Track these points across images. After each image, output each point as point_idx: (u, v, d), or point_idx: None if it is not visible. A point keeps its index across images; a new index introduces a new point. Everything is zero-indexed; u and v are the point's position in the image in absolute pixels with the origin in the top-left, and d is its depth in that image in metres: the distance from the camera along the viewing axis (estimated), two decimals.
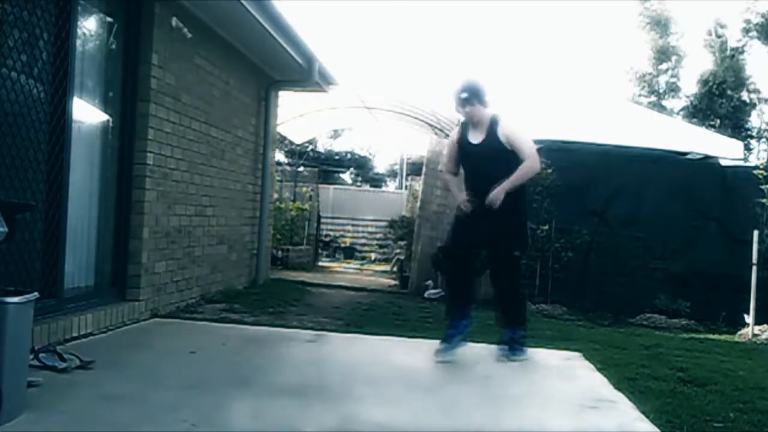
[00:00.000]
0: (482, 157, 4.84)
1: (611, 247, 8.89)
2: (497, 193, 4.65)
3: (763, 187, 8.02)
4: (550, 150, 9.03)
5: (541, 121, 9.65)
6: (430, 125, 12.61)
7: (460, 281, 5.10)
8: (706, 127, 20.07)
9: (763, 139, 25.39)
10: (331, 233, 18.25)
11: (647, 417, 3.57)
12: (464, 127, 4.98)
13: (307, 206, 14.97)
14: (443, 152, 9.70)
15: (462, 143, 4.94)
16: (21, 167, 4.08)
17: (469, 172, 4.97)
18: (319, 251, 16.10)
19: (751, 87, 24.92)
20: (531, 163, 4.78)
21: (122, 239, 5.27)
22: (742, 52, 25.57)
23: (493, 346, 5.39)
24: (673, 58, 26.26)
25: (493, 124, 4.83)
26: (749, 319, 7.63)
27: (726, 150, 9.94)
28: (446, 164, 5.21)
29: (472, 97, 4.84)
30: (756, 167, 8.52)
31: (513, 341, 4.90)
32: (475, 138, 4.88)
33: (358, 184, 33.35)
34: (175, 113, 5.77)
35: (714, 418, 3.71)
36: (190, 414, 3.12)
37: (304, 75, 8.06)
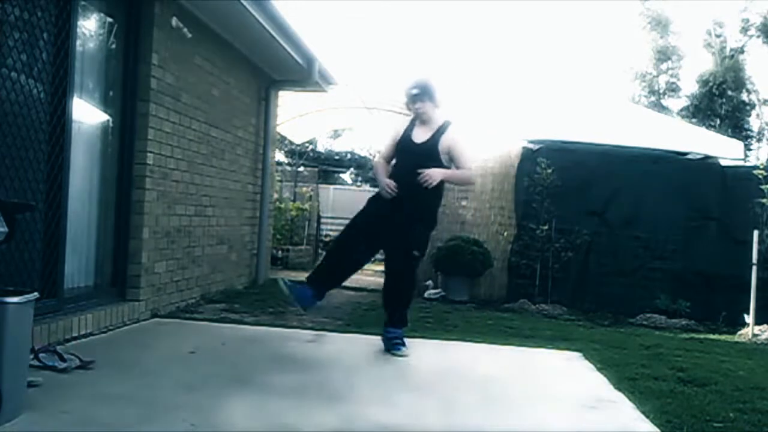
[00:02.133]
0: (417, 157, 4.83)
1: (611, 247, 8.89)
2: (435, 174, 4.67)
3: (763, 187, 8.02)
4: (550, 150, 9.06)
5: (541, 121, 9.66)
6: None
7: (338, 259, 5.02)
8: (706, 127, 20.08)
9: (764, 139, 25.38)
10: (331, 233, 18.23)
11: (647, 417, 3.57)
12: (412, 123, 4.98)
13: (307, 206, 14.97)
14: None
15: (404, 136, 4.94)
16: (21, 167, 4.08)
17: (399, 166, 4.95)
18: (319, 251, 16.08)
19: (751, 87, 24.93)
20: (469, 174, 4.90)
21: (122, 239, 5.27)
22: (741, 52, 25.57)
23: (494, 346, 5.40)
24: (673, 57, 26.27)
25: (441, 128, 4.86)
26: (749, 319, 7.63)
27: (726, 150, 9.94)
28: (384, 151, 5.20)
29: (422, 94, 4.87)
30: (756, 167, 8.52)
31: (399, 339, 4.87)
32: (419, 136, 4.89)
33: (358, 184, 33.35)
34: (175, 113, 5.77)
35: (714, 418, 3.71)
36: (190, 414, 3.12)
37: (304, 75, 8.06)
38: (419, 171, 4.68)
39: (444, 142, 4.80)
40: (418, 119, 4.93)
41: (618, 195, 9.01)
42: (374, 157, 6.99)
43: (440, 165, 4.78)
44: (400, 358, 4.73)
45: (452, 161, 4.84)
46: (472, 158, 4.89)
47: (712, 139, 10.82)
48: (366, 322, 6.29)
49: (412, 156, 4.85)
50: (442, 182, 4.80)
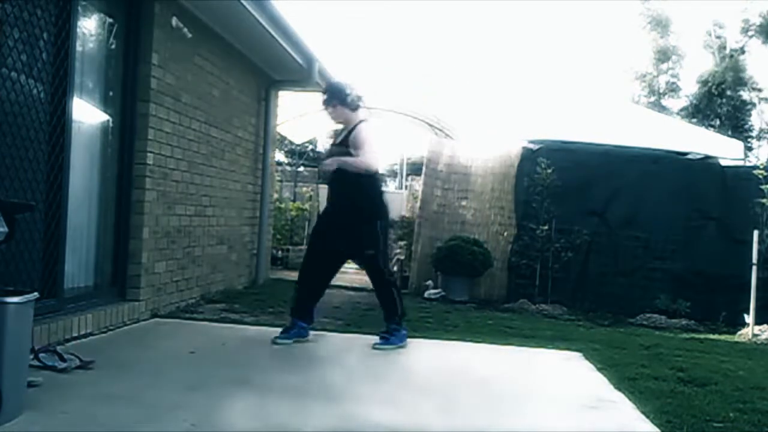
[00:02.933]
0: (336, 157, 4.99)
1: (611, 247, 8.89)
2: (329, 162, 4.88)
3: (763, 187, 8.02)
4: (550, 150, 9.06)
5: (541, 121, 9.66)
6: (430, 125, 12.61)
7: (309, 281, 5.16)
8: (706, 127, 20.09)
9: (764, 139, 25.38)
10: None
11: (647, 417, 3.57)
12: (335, 129, 5.20)
13: (307, 206, 14.96)
14: (443, 151, 9.72)
15: (332, 141, 5.20)
16: (21, 167, 4.08)
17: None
18: None
19: (752, 86, 24.93)
20: (364, 159, 4.90)
21: (122, 239, 5.27)
22: (742, 52, 25.58)
23: (494, 346, 5.40)
24: (673, 58, 26.27)
25: (350, 130, 4.98)
26: (749, 319, 7.63)
27: (726, 150, 9.95)
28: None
29: (331, 98, 5.01)
30: (756, 167, 8.52)
31: (385, 333, 5.02)
32: (336, 139, 5.10)
33: None
34: (175, 113, 5.77)
35: (714, 418, 3.71)
36: (190, 414, 3.12)
37: (304, 75, 8.05)
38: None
39: (352, 140, 4.92)
40: (337, 122, 5.11)
41: (618, 195, 9.01)
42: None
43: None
44: (399, 358, 4.73)
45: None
46: (372, 149, 4.93)
47: (712, 139, 10.84)
48: (366, 322, 6.29)
49: (332, 157, 5.02)
50: (358, 174, 4.87)
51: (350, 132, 4.97)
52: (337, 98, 5.00)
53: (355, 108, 5.02)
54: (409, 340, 5.42)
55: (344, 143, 4.97)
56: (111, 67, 5.20)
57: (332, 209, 5.08)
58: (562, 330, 6.81)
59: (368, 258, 5.04)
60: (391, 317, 5.07)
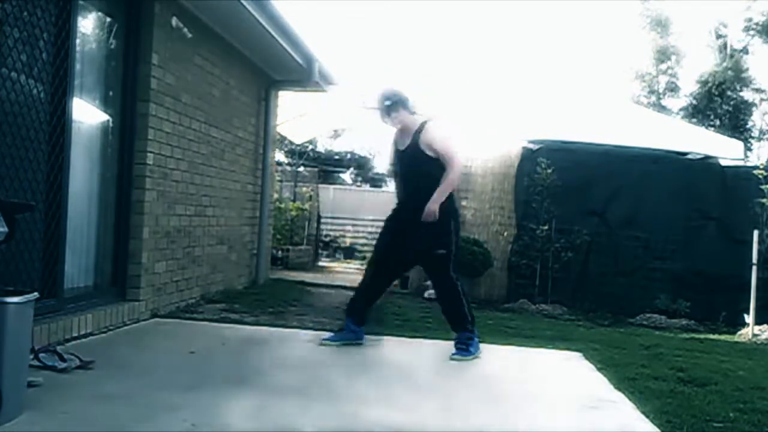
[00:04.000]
0: (405, 164, 4.96)
1: (611, 247, 8.89)
2: (433, 210, 4.73)
3: (763, 187, 8.02)
4: (550, 150, 9.06)
5: (541, 121, 9.66)
6: None
7: (375, 284, 5.11)
8: (706, 127, 20.09)
9: (764, 139, 25.38)
10: (332, 233, 18.22)
11: (647, 417, 3.57)
12: (398, 133, 5.05)
13: (307, 206, 14.96)
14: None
15: (394, 149, 5.06)
16: (21, 167, 4.08)
17: (396, 175, 5.12)
18: (319, 251, 16.09)
19: (753, 86, 24.93)
20: (453, 176, 4.83)
21: (122, 239, 5.27)
22: (746, 53, 25.58)
23: (494, 346, 5.39)
24: (673, 57, 26.27)
25: (417, 131, 4.89)
26: (749, 319, 7.63)
27: (726, 150, 9.94)
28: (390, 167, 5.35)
29: (396, 104, 4.94)
30: (756, 167, 8.52)
31: (461, 343, 4.86)
32: (403, 144, 4.96)
33: (358, 184, 33.33)
34: (175, 113, 5.77)
35: (714, 418, 3.71)
36: (190, 414, 3.11)
37: (304, 75, 8.06)
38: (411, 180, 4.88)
39: (423, 141, 4.84)
40: (400, 128, 5.02)
41: (618, 195, 9.02)
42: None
43: (428, 165, 4.81)
44: (399, 358, 4.73)
45: (438, 158, 4.84)
46: (454, 152, 4.85)
47: (712, 139, 10.83)
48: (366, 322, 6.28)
49: (403, 165, 4.98)
50: (437, 173, 4.79)
51: (418, 134, 4.85)
52: (401, 104, 4.92)
53: (413, 111, 4.97)
54: (409, 340, 5.43)
55: (414, 146, 4.84)
56: (111, 67, 5.20)
57: (405, 207, 4.94)
58: (562, 330, 6.81)
59: (437, 258, 4.87)
60: (463, 324, 4.89)
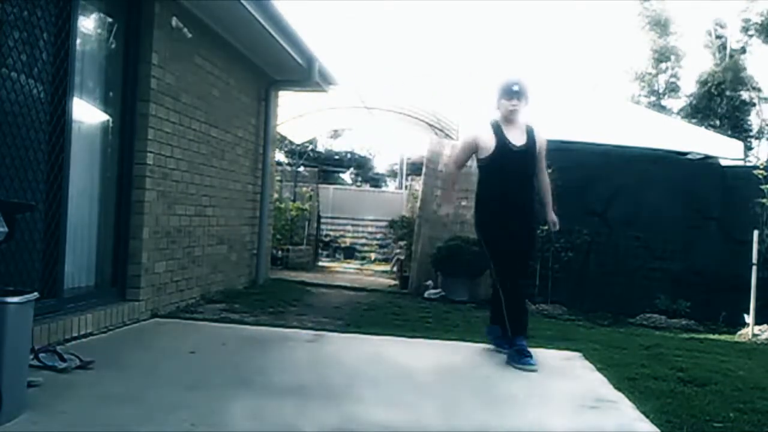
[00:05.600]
0: (522, 161, 4.83)
1: (611, 247, 8.89)
2: (554, 218, 5.06)
3: (763, 187, 8.02)
4: (550, 150, 9.04)
5: (542, 121, 9.65)
6: (430, 125, 12.61)
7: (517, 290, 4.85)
8: (706, 127, 20.09)
9: (763, 138, 25.39)
10: (331, 233, 18.23)
11: (647, 417, 3.57)
12: (498, 127, 4.86)
13: (307, 206, 14.96)
14: (443, 151, 9.71)
15: (500, 143, 4.79)
16: (21, 167, 4.08)
17: (502, 173, 4.81)
18: (319, 251, 16.09)
19: (752, 86, 24.94)
20: (549, 181, 5.07)
21: (122, 239, 5.27)
22: (743, 52, 25.60)
23: (494, 346, 5.39)
24: (673, 58, 26.28)
25: (530, 131, 4.85)
26: (749, 319, 7.63)
27: (726, 150, 9.94)
28: (459, 157, 5.18)
29: (522, 92, 4.81)
30: (756, 167, 8.52)
31: (516, 348, 4.70)
32: (516, 140, 4.81)
33: (358, 184, 33.35)
34: (175, 113, 5.77)
35: (714, 418, 3.71)
36: (190, 414, 3.11)
37: (304, 75, 8.06)
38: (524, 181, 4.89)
39: (538, 146, 4.86)
40: (506, 120, 4.84)
41: (618, 195, 9.02)
42: (445, 165, 7.11)
43: (535, 168, 4.92)
44: (399, 358, 4.72)
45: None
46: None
47: (712, 139, 10.82)
48: (366, 322, 6.30)
49: (515, 161, 4.81)
50: (532, 185, 4.95)
51: (531, 136, 4.82)
52: (525, 95, 4.82)
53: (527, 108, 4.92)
54: (408, 340, 5.43)
55: (532, 147, 4.82)
56: (111, 67, 5.20)
57: (513, 214, 4.81)
58: (562, 330, 6.81)
59: (529, 261, 4.99)
60: (521, 331, 4.75)
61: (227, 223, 7.30)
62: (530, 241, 4.96)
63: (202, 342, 4.78)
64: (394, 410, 3.45)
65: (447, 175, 5.31)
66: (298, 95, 9.78)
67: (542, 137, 4.88)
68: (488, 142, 4.83)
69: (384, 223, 15.97)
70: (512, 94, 4.77)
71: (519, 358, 4.58)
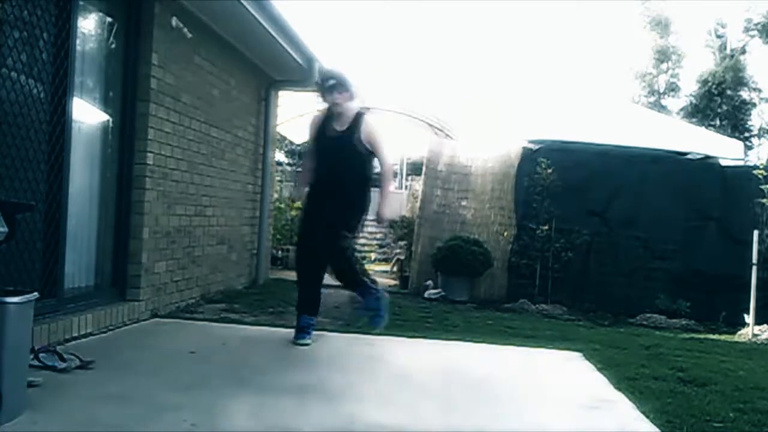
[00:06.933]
0: (339, 149, 4.89)
1: (611, 247, 8.90)
2: (386, 214, 4.99)
3: (763, 187, 8.02)
4: (550, 150, 9.07)
5: (541, 121, 9.67)
6: (430, 125, 12.61)
7: (312, 274, 5.11)
8: (706, 127, 20.10)
9: (764, 138, 25.40)
10: None
11: (647, 417, 3.57)
12: (326, 117, 4.98)
13: None
14: (444, 151, 9.71)
15: (319, 133, 4.98)
16: (21, 167, 4.08)
17: (322, 160, 4.97)
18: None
19: (753, 86, 24.96)
20: (390, 175, 5.07)
21: (122, 239, 5.27)
22: (744, 52, 25.61)
23: (494, 346, 5.39)
24: (673, 57, 26.30)
25: (357, 118, 4.89)
26: (749, 319, 7.64)
27: (726, 150, 9.97)
28: (309, 152, 5.26)
29: (339, 85, 4.89)
30: (756, 167, 8.52)
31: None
32: (334, 130, 4.91)
33: None
34: (175, 113, 5.76)
35: (714, 418, 3.71)
36: (190, 414, 3.12)
37: (304, 75, 8.05)
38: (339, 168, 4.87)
39: (363, 134, 4.85)
40: (333, 112, 4.94)
41: (618, 195, 9.02)
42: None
43: (359, 158, 4.86)
44: (399, 358, 4.72)
45: (372, 153, 4.89)
46: (387, 151, 4.95)
47: (711, 139, 10.85)
48: (365, 322, 6.28)
49: (331, 151, 4.92)
50: (366, 174, 4.92)
51: (355, 122, 4.86)
52: (345, 86, 4.88)
53: (354, 98, 4.96)
54: (408, 340, 5.43)
55: (350, 132, 4.85)
56: (111, 67, 5.20)
57: (326, 200, 4.92)
58: (562, 330, 6.81)
59: (336, 237, 4.88)
60: (362, 289, 5.05)
61: (227, 223, 7.30)
62: (340, 218, 4.87)
63: (202, 342, 4.78)
64: (393, 410, 3.45)
65: (303, 167, 5.46)
66: (298, 95, 9.77)
67: (370, 126, 4.88)
68: (312, 130, 5.05)
69: (384, 223, 15.90)
70: (329, 89, 4.89)
71: (297, 335, 4.88)
